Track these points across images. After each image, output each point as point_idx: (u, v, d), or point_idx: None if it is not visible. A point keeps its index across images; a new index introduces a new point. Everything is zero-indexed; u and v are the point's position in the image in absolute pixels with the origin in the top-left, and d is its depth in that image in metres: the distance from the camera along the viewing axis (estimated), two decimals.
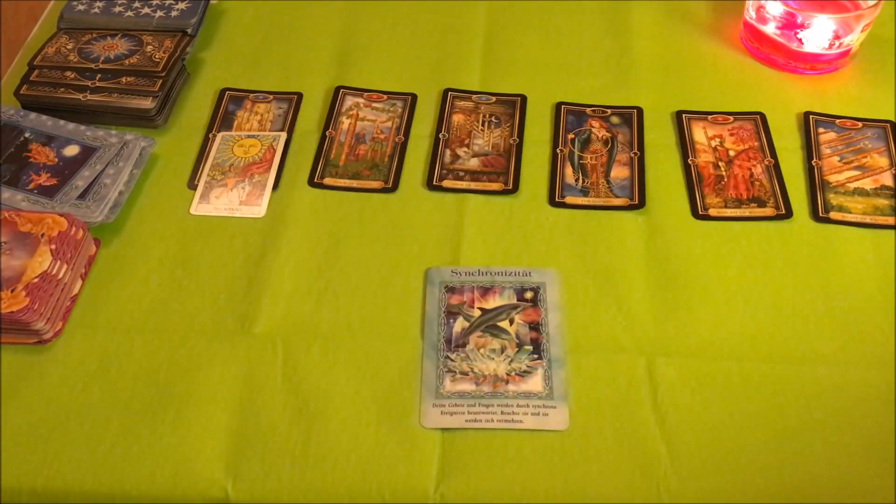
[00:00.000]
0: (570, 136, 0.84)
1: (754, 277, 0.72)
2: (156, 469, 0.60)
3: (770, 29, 0.89)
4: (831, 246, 0.74)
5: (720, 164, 0.81)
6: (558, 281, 0.72)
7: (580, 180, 0.80)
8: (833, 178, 0.80)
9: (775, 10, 0.87)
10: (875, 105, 0.86)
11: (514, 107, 0.87)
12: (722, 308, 0.70)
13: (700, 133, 0.84)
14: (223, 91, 0.88)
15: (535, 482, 0.60)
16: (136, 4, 0.92)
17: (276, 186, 0.79)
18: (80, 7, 0.92)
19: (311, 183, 0.80)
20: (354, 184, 0.80)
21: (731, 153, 0.82)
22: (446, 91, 0.88)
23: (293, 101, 0.88)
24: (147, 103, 0.83)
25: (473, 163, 0.81)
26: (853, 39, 0.87)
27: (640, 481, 0.60)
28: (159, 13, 0.91)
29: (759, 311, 0.70)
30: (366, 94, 0.88)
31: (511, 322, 0.69)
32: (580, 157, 0.82)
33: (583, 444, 0.62)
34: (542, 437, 0.62)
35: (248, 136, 0.84)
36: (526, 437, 0.62)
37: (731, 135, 0.84)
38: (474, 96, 0.88)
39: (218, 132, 0.84)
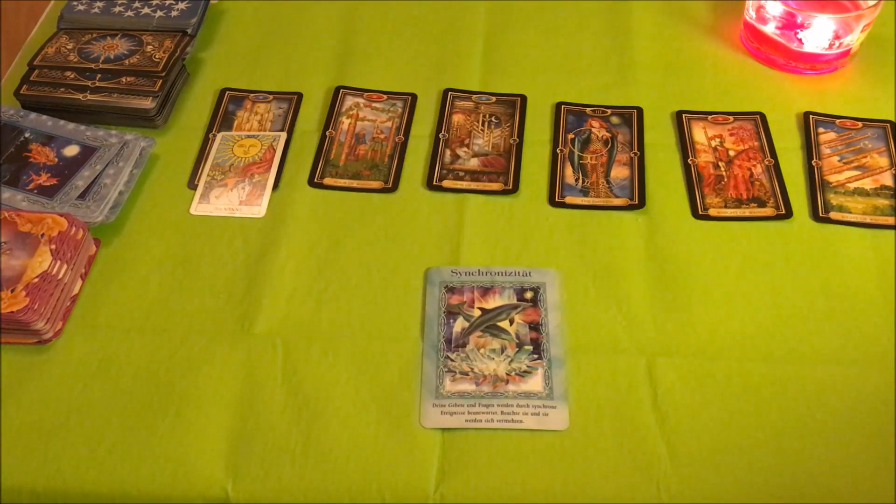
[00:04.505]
0: (570, 136, 0.84)
1: (754, 277, 0.72)
2: (156, 469, 0.60)
3: (770, 29, 0.89)
4: (831, 246, 0.74)
5: (720, 164, 0.81)
6: (558, 281, 0.72)
7: (580, 180, 0.80)
8: (833, 178, 0.80)
9: (775, 10, 0.87)
10: (875, 105, 0.86)
11: (514, 107, 0.87)
12: (722, 308, 0.70)
13: (700, 133, 0.84)
14: (223, 91, 0.88)
15: (535, 482, 0.60)
16: (136, 4, 0.92)
17: (276, 186, 0.79)
18: (80, 7, 0.92)
19: (311, 183, 0.80)
20: (354, 184, 0.80)
21: (731, 153, 0.82)
22: (446, 91, 0.88)
23: (293, 101, 0.88)
24: (147, 103, 0.83)
25: (473, 163, 0.81)
26: (853, 39, 0.87)
27: (640, 481, 0.60)
28: (159, 13, 0.91)
29: (759, 311, 0.70)
30: (366, 94, 0.88)
31: (511, 322, 0.69)
32: (580, 157, 0.82)
33: (583, 444, 0.62)
34: (542, 437, 0.62)
35: (248, 136, 0.84)
36: (526, 437, 0.62)
37: (731, 135, 0.84)
38: (474, 96, 0.88)
39: (218, 132, 0.84)
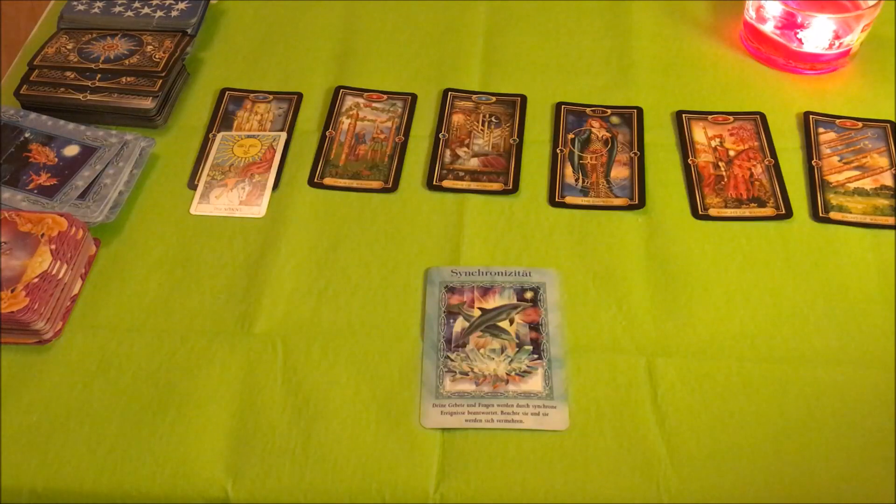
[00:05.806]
0: (570, 136, 0.84)
1: (754, 277, 0.72)
2: (156, 469, 0.60)
3: (770, 29, 0.89)
4: (831, 246, 0.74)
5: (720, 164, 0.81)
6: (558, 281, 0.72)
7: (580, 180, 0.80)
8: (833, 178, 0.80)
9: (775, 10, 0.87)
10: (875, 105, 0.86)
11: (514, 107, 0.87)
12: (722, 308, 0.70)
13: (700, 133, 0.84)
14: (223, 91, 0.88)
15: (535, 482, 0.60)
16: (136, 4, 0.92)
17: (276, 186, 0.79)
18: (80, 7, 0.92)
19: (311, 183, 0.80)
20: (354, 184, 0.80)
21: (731, 153, 0.82)
22: (446, 91, 0.88)
23: (293, 101, 0.88)
24: (147, 103, 0.83)
25: (473, 163, 0.81)
26: (853, 39, 0.87)
27: (640, 481, 0.60)
28: (159, 13, 0.91)
29: (759, 311, 0.70)
30: (366, 94, 0.88)
31: (511, 322, 0.69)
32: (580, 157, 0.82)
33: (583, 444, 0.62)
34: (542, 437, 0.62)
35: (248, 136, 0.84)
36: (526, 437, 0.62)
37: (731, 135, 0.84)
38: (474, 96, 0.88)
39: (218, 132, 0.84)
